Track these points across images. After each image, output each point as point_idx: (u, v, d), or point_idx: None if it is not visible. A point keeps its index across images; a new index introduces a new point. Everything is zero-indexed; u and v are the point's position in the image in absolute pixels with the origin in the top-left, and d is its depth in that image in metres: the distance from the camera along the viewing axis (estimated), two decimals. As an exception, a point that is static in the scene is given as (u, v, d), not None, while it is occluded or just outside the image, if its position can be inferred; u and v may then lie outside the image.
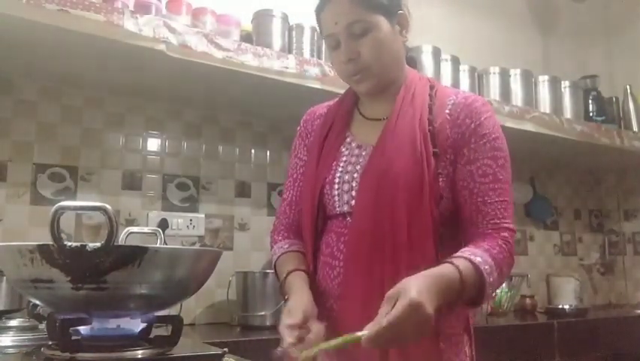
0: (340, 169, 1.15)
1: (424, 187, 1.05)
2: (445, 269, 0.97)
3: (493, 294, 2.42)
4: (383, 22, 1.11)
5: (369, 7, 1.10)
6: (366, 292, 1.01)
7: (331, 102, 1.30)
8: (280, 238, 1.24)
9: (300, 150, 1.28)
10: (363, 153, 1.15)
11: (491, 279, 1.00)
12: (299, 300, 1.04)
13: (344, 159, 1.16)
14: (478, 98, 1.16)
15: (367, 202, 1.08)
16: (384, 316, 0.86)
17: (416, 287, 0.89)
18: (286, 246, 1.21)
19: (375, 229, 1.06)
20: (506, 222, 1.07)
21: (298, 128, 1.31)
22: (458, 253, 1.02)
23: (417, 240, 1.04)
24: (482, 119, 1.12)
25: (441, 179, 1.08)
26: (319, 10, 1.15)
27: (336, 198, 1.13)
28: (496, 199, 1.07)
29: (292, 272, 1.13)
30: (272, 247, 1.25)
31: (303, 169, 1.25)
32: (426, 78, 1.21)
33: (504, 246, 1.05)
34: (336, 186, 1.14)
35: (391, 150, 1.09)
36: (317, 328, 0.99)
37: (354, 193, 1.11)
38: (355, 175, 1.12)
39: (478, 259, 0.99)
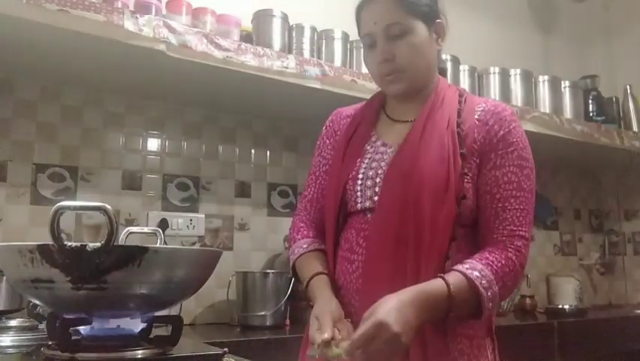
0: (364, 166, 1.16)
1: (449, 186, 1.06)
2: (432, 285, 0.99)
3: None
4: (421, 28, 1.14)
5: (410, 11, 1.13)
6: (388, 285, 1.01)
7: (358, 105, 1.32)
8: (299, 236, 1.24)
9: (324, 148, 1.30)
10: (389, 151, 1.16)
11: (489, 293, 1.01)
12: (325, 305, 1.04)
13: (368, 156, 1.17)
14: (508, 108, 1.18)
15: (391, 197, 1.09)
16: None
17: (386, 307, 0.92)
18: (305, 245, 1.21)
19: (399, 224, 1.07)
20: (522, 231, 1.08)
21: (324, 127, 1.33)
22: (457, 266, 1.03)
23: (437, 238, 1.05)
24: (511, 127, 1.13)
25: (466, 179, 1.09)
26: (360, 9, 1.18)
27: (359, 193, 1.14)
28: (517, 207, 1.08)
29: (315, 276, 1.14)
30: (290, 244, 1.26)
31: (326, 167, 1.27)
32: (455, 87, 1.24)
33: (513, 258, 1.05)
34: (359, 182, 1.15)
35: (418, 148, 1.11)
36: (346, 328, 1.00)
37: (377, 189, 1.12)
38: (380, 172, 1.13)
39: (475, 274, 1.01)
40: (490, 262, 1.03)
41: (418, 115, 1.16)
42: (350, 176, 1.16)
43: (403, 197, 1.07)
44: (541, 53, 3.25)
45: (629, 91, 2.94)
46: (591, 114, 2.81)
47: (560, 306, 2.64)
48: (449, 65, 2.37)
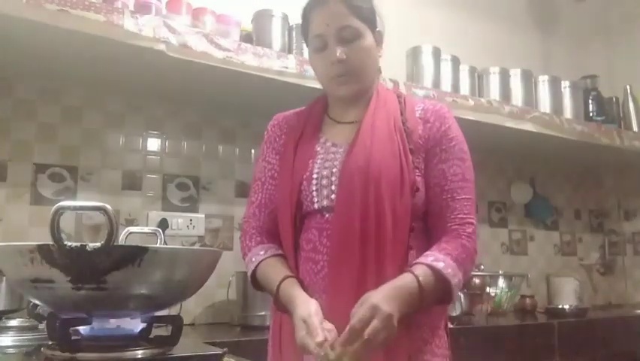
0: (318, 165, 1.18)
1: (403, 179, 1.12)
2: (404, 279, 1.06)
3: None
4: (369, 34, 1.19)
5: (360, 16, 1.18)
6: (353, 282, 1.06)
7: (298, 110, 1.34)
8: (253, 243, 1.24)
9: (268, 153, 1.31)
10: (340, 150, 1.19)
11: (456, 280, 1.09)
12: (309, 307, 1.05)
13: (320, 156, 1.20)
14: (444, 106, 1.26)
15: (350, 195, 1.12)
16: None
17: (374, 295, 1.00)
18: (262, 252, 1.21)
19: (360, 219, 1.10)
20: (470, 218, 1.16)
21: (265, 133, 1.34)
22: (421, 259, 1.10)
23: (398, 230, 1.10)
24: (450, 123, 1.21)
25: (417, 173, 1.15)
26: (309, 10, 1.21)
27: (315, 193, 1.16)
28: (464, 196, 1.16)
29: (284, 281, 1.13)
30: (245, 253, 1.25)
31: (272, 172, 1.28)
32: (392, 90, 1.31)
33: (467, 244, 1.13)
34: (315, 182, 1.17)
35: (370, 145, 1.15)
36: (332, 330, 1.02)
37: (333, 187, 1.15)
38: (334, 170, 1.16)
39: (440, 265, 1.08)
40: (450, 252, 1.10)
41: (364, 115, 1.20)
42: (304, 177, 1.18)
43: (362, 193, 1.11)
44: (541, 53, 3.24)
45: (629, 91, 2.94)
46: (591, 114, 2.82)
47: (560, 306, 2.64)
48: (449, 65, 2.37)
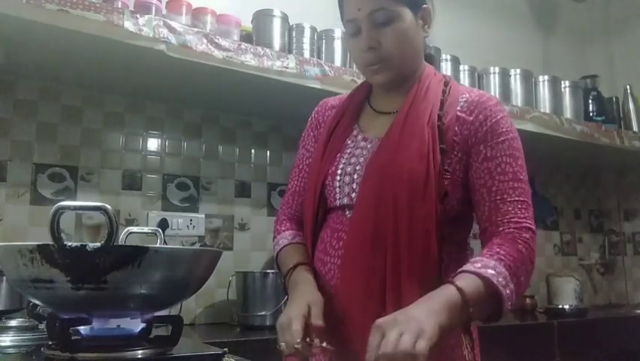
0: (344, 161, 1.13)
1: (428, 182, 1.02)
2: (445, 293, 0.91)
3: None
4: (407, 14, 1.09)
5: None
6: (366, 288, 1.00)
7: (344, 95, 1.28)
8: (283, 228, 1.23)
9: (309, 140, 1.27)
10: (369, 146, 1.13)
11: (508, 291, 0.94)
12: (302, 290, 1.03)
13: (348, 151, 1.14)
14: (493, 97, 1.13)
15: (369, 194, 1.06)
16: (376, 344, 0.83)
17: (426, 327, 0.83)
18: (290, 237, 1.20)
19: (377, 222, 1.03)
20: (528, 223, 1.02)
21: (309, 119, 1.29)
22: (467, 266, 0.96)
23: (418, 236, 1.01)
24: (499, 117, 1.09)
25: (446, 175, 1.05)
26: None
27: (337, 190, 1.12)
28: (516, 198, 1.03)
29: (296, 267, 1.11)
30: (275, 237, 1.24)
31: (309, 160, 1.24)
32: (441, 75, 1.19)
33: (524, 251, 0.99)
34: (338, 178, 1.12)
35: (397, 143, 1.07)
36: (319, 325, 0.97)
37: (354, 186, 1.09)
38: (358, 167, 1.10)
39: (489, 272, 0.93)
40: (502, 257, 0.96)
41: (400, 107, 1.11)
42: (329, 171, 1.13)
43: (381, 194, 1.04)
44: (542, 53, 3.25)
45: (629, 91, 2.94)
46: (591, 114, 2.82)
47: (560, 306, 2.64)
48: (449, 65, 2.37)
